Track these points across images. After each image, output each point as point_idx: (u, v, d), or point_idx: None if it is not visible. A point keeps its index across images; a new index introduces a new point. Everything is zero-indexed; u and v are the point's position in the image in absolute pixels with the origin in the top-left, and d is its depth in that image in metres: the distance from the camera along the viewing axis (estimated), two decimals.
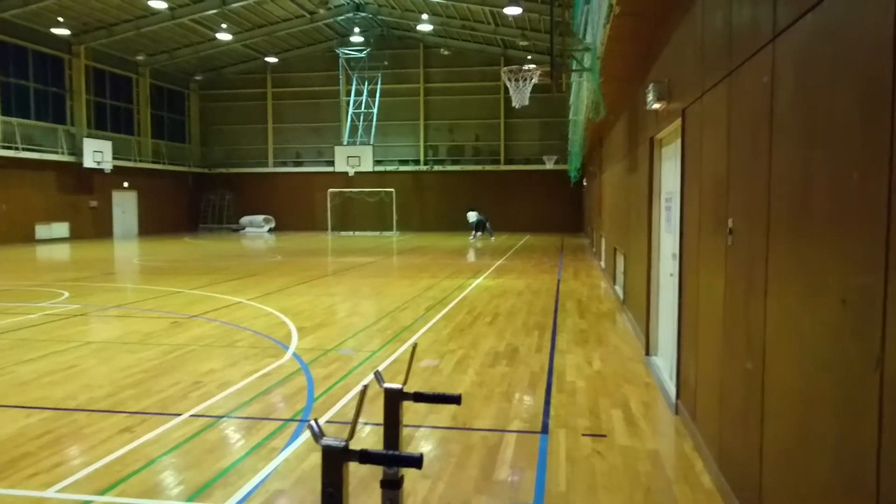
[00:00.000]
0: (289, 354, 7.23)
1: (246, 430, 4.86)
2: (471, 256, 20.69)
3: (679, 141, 5.35)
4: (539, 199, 36.05)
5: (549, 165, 35.26)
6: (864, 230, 2.01)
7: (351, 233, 35.04)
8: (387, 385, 2.08)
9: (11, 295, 12.08)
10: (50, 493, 3.81)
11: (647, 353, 7.00)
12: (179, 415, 5.18)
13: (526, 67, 12.15)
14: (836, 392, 2.20)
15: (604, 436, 4.71)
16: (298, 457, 4.33)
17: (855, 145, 2.10)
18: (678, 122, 5.33)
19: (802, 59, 2.60)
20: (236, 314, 9.86)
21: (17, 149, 26.89)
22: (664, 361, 6.38)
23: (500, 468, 4.16)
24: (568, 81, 19.39)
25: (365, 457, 1.57)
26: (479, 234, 31.08)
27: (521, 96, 12.09)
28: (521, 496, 3.77)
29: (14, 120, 27.17)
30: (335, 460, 1.55)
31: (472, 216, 31.69)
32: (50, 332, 8.56)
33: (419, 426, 4.89)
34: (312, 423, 1.58)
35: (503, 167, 37.10)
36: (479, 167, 37.27)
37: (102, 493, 3.80)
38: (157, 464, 4.25)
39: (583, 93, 13.91)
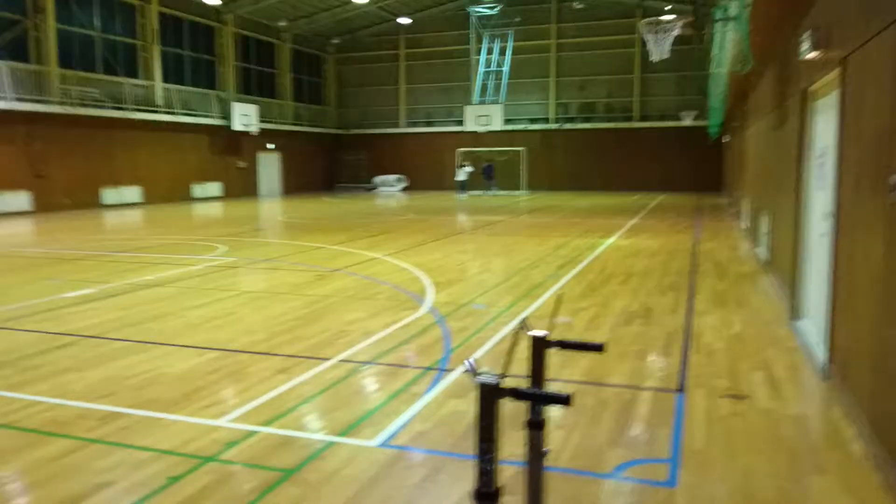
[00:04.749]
0: (425, 308, 7.54)
1: (388, 376, 5.19)
2: (603, 216, 20.31)
3: (836, 93, 4.99)
4: (675, 157, 34.53)
5: (687, 122, 33.61)
6: None
7: (480, 192, 35.30)
8: (532, 332, 2.19)
9: (177, 248, 13.33)
10: (222, 422, 4.28)
11: (793, 317, 6.67)
12: (328, 359, 5.60)
13: (666, 19, 11.60)
14: None
15: (744, 397, 4.61)
16: (438, 402, 4.59)
17: None
18: (836, 72, 4.97)
19: None
20: (374, 269, 10.35)
21: (175, 113, 29.23)
22: (812, 325, 6.07)
23: (635, 423, 4.20)
24: (711, 32, 18.30)
25: (517, 394, 1.69)
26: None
27: (660, 49, 11.60)
28: (656, 451, 3.80)
29: (173, 86, 29.48)
30: (490, 396, 1.68)
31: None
32: (211, 282, 9.41)
33: (553, 380, 5.00)
34: (470, 361, 1.72)
35: (637, 124, 35.77)
36: (610, 125, 36.16)
37: (266, 424, 4.23)
38: (310, 402, 4.65)
39: (727, 43, 13.10)
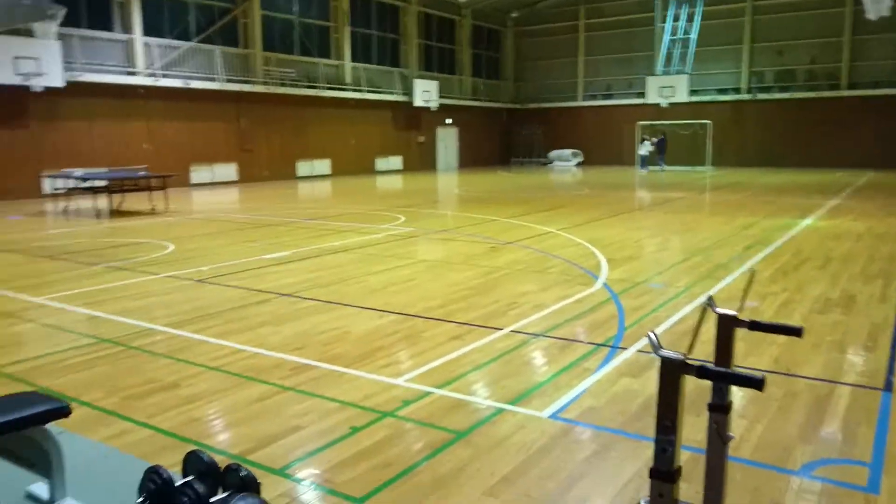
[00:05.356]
0: (599, 284, 7.38)
1: (559, 350, 5.16)
2: (798, 195, 18.59)
3: None
4: (889, 129, 30.65)
5: None
6: None
7: (659, 167, 33.73)
8: (720, 310, 2.06)
9: (361, 217, 14.14)
10: (399, 381, 4.51)
11: None
12: (500, 329, 5.68)
13: None
14: None
15: None
16: (610, 379, 4.49)
17: None
18: None
19: None
20: (547, 243, 10.29)
21: (362, 91, 30.82)
22: None
23: (830, 420, 3.83)
24: None
25: (703, 372, 1.60)
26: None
27: (878, 6, 10.27)
28: (854, 453, 3.45)
29: (360, 65, 31.06)
30: (673, 372, 1.61)
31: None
32: (390, 250, 9.88)
33: (737, 367, 4.70)
34: (651, 334, 1.66)
35: (844, 93, 32.13)
36: (812, 94, 32.78)
37: (439, 387, 4.39)
38: (482, 369, 4.75)
39: None
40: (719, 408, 2.03)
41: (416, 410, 4.01)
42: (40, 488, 2.91)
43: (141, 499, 2.78)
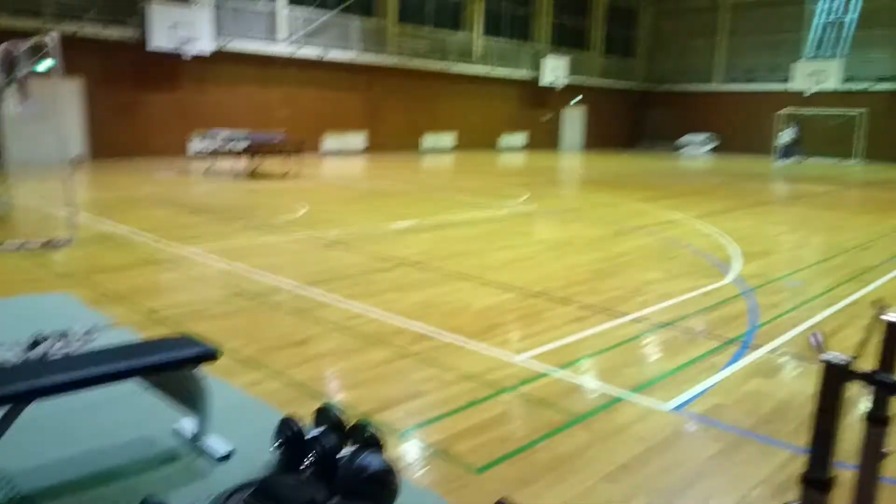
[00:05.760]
0: (729, 277, 7.03)
1: (685, 342, 4.97)
2: None
3: None
4: None
5: None
6: None
7: (801, 158, 31.42)
8: (889, 318, 1.90)
9: (484, 193, 14.18)
10: (519, 358, 4.51)
11: None
12: (623, 315, 5.54)
13: None
14: None
15: None
16: (739, 378, 4.28)
17: None
18: None
19: None
20: (675, 231, 9.91)
21: (492, 66, 30.70)
22: None
23: None
24: None
25: (873, 381, 1.49)
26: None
27: None
28: None
29: (492, 39, 30.93)
30: (837, 377, 1.50)
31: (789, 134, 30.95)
32: (513, 227, 9.86)
33: None
34: (816, 336, 1.55)
35: None
36: None
37: (558, 368, 4.35)
38: (603, 355, 4.67)
39: None
40: (879, 420, 1.88)
41: (535, 389, 4.01)
42: (187, 424, 3.16)
43: (276, 444, 2.96)
